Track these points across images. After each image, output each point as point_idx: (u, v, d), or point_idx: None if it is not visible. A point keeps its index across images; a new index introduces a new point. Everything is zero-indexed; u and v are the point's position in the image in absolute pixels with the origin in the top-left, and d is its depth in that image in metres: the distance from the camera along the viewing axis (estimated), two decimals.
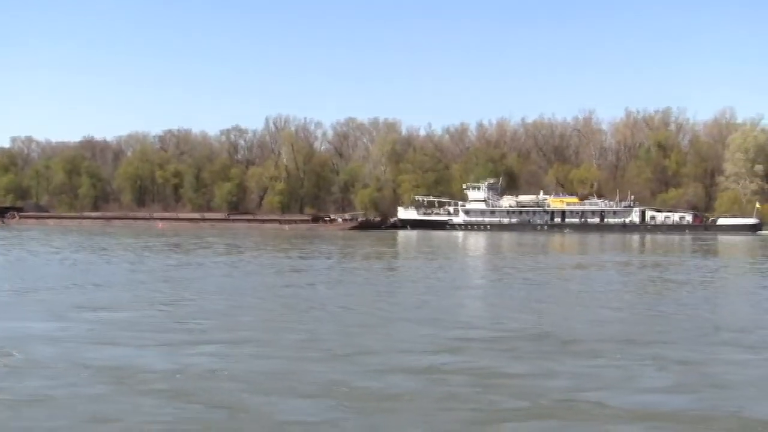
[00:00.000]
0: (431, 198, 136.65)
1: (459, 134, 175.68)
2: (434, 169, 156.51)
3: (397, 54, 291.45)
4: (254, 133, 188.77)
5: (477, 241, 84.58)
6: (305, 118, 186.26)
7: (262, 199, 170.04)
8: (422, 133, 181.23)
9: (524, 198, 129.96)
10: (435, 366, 16.44)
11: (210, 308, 25.12)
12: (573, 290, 31.55)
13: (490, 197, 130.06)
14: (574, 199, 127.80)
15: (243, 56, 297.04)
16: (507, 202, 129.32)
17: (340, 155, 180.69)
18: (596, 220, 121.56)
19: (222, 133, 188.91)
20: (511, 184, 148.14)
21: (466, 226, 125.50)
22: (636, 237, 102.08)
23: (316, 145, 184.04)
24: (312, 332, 20.44)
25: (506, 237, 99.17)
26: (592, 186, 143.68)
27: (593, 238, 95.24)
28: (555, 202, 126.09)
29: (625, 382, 15.14)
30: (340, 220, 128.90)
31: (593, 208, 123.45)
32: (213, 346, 18.59)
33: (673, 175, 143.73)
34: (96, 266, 42.76)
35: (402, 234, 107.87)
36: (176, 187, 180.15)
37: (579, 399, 13.78)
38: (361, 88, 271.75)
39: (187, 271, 39.58)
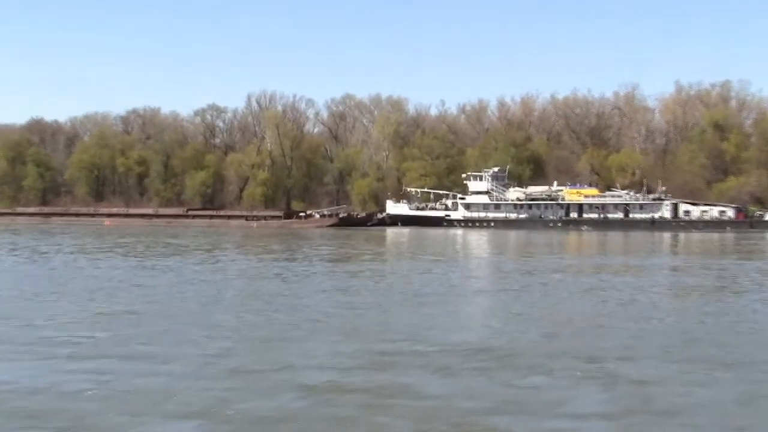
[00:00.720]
0: (426, 190, 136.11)
1: (477, 114, 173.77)
2: (447, 155, 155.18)
3: (403, 21, 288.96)
4: (234, 113, 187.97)
5: (478, 241, 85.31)
6: (294, 96, 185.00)
7: (242, 190, 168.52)
8: (433, 112, 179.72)
9: (534, 189, 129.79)
10: (340, 384, 16.96)
11: (116, 320, 25.54)
12: (567, 299, 31.70)
13: (495, 188, 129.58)
14: (594, 191, 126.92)
15: (221, 24, 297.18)
16: (514, 194, 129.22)
17: (336, 139, 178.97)
18: (619, 215, 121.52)
19: (196, 113, 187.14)
20: (537, 172, 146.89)
21: (467, 223, 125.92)
22: (667, 235, 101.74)
23: (308, 127, 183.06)
24: (225, 346, 20.89)
25: (513, 235, 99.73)
26: (633, 174, 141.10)
27: (615, 237, 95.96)
28: (571, 195, 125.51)
29: (554, 406, 15.52)
30: (317, 216, 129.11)
31: (616, 201, 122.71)
32: (98, 361, 19.13)
33: (733, 161, 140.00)
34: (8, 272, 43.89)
35: (391, 232, 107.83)
36: (141, 178, 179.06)
37: (482, 424, 14.14)
38: (360, 61, 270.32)
39: (111, 277, 40.19)
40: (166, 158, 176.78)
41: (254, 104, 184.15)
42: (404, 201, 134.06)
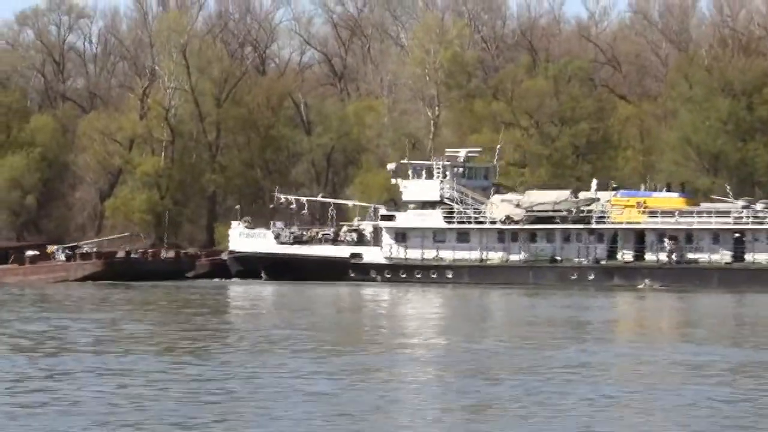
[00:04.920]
0: (318, 198, 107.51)
1: (664, 19, 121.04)
2: (575, 117, 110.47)
3: None
4: (111, 19, 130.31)
5: (419, 318, 65.76)
6: None
7: (104, 199, 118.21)
8: (571, 15, 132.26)
9: (542, 197, 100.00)
10: None
11: None
12: None
13: (457, 194, 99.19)
14: (674, 201, 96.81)
15: None
16: (502, 208, 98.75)
17: (340, 80, 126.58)
18: (723, 254, 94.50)
19: (20, 19, 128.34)
20: None
21: (396, 272, 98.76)
22: None
23: (282, 54, 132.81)
24: None
25: (496, 303, 79.46)
26: None
27: (715, 305, 76.27)
28: (623, 208, 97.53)
29: None
30: (60, 255, 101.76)
31: (716, 224, 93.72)
32: None
33: None
34: None
35: (237, 293, 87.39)
36: None
37: None
38: None
39: None
40: None
41: (150, 3, 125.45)
42: (275, 225, 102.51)
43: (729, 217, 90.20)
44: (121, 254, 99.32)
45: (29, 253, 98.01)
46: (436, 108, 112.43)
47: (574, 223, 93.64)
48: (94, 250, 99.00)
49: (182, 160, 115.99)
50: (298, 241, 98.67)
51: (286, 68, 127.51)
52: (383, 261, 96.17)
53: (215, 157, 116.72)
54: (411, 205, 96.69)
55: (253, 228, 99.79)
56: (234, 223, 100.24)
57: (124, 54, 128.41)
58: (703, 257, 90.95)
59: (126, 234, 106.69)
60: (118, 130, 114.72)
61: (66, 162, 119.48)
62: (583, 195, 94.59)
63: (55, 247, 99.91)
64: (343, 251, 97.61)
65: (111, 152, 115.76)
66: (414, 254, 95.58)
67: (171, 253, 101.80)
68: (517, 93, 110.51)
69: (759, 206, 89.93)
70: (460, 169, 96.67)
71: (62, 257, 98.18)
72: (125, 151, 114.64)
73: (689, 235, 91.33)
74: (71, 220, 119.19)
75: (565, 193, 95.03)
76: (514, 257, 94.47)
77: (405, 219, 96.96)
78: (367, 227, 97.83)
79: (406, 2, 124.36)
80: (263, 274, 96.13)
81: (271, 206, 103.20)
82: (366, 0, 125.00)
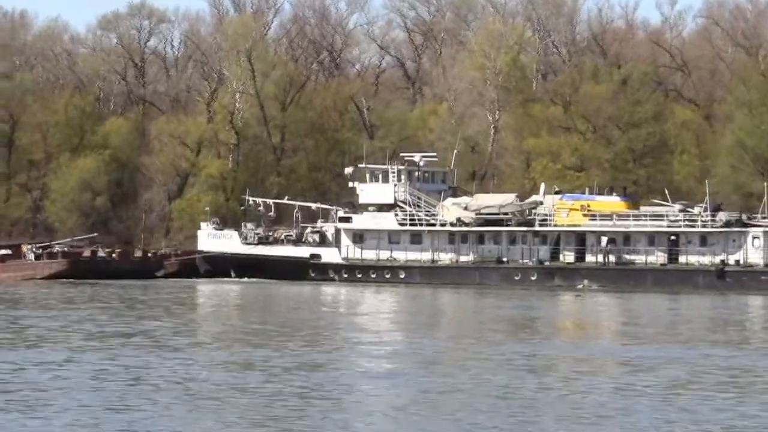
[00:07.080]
0: (286, 201, 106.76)
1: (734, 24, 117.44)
2: (634, 121, 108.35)
3: None
4: (191, 22, 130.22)
5: (369, 316, 66.43)
6: None
7: (172, 199, 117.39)
8: (645, 24, 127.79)
9: (490, 201, 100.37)
10: None
11: None
12: None
13: (411, 198, 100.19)
14: (615, 204, 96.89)
15: None
16: (454, 211, 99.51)
17: (413, 85, 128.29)
18: (659, 256, 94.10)
19: (102, 24, 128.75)
20: None
21: (352, 272, 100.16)
22: (757, 303, 78.50)
23: (359, 59, 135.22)
24: None
25: (446, 302, 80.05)
26: None
27: (650, 305, 74.76)
28: (566, 212, 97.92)
29: None
30: (30, 255, 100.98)
31: (652, 226, 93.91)
32: None
33: None
34: None
35: (206, 292, 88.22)
36: None
37: None
38: None
39: None
40: (11, 125, 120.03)
41: (227, 5, 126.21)
42: (245, 226, 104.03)
43: (664, 220, 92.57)
44: (86, 254, 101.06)
45: (1, 252, 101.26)
46: (497, 112, 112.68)
47: (520, 225, 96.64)
48: (64, 249, 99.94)
49: (247, 162, 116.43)
50: (262, 241, 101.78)
51: (365, 72, 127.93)
52: (340, 261, 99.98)
53: (279, 160, 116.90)
54: (370, 208, 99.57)
55: (221, 229, 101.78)
56: (203, 224, 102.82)
57: (201, 58, 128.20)
58: (639, 258, 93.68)
59: (93, 234, 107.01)
60: (187, 134, 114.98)
61: (138, 164, 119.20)
62: (529, 200, 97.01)
63: (28, 244, 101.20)
64: (303, 252, 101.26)
65: (179, 155, 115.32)
66: (369, 255, 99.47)
67: (139, 253, 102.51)
68: (574, 98, 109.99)
69: (696, 210, 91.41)
70: (417, 173, 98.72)
71: (31, 256, 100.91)
72: (192, 154, 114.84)
73: (627, 237, 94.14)
74: (141, 222, 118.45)
75: (510, 197, 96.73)
76: (463, 258, 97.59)
77: (361, 221, 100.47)
78: (329, 229, 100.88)
79: (477, 8, 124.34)
80: (232, 273, 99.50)
81: (242, 207, 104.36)
82: (438, 6, 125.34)
